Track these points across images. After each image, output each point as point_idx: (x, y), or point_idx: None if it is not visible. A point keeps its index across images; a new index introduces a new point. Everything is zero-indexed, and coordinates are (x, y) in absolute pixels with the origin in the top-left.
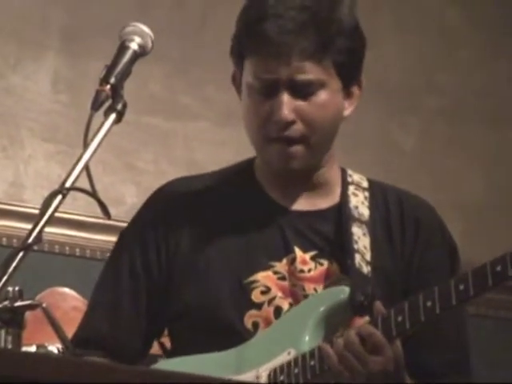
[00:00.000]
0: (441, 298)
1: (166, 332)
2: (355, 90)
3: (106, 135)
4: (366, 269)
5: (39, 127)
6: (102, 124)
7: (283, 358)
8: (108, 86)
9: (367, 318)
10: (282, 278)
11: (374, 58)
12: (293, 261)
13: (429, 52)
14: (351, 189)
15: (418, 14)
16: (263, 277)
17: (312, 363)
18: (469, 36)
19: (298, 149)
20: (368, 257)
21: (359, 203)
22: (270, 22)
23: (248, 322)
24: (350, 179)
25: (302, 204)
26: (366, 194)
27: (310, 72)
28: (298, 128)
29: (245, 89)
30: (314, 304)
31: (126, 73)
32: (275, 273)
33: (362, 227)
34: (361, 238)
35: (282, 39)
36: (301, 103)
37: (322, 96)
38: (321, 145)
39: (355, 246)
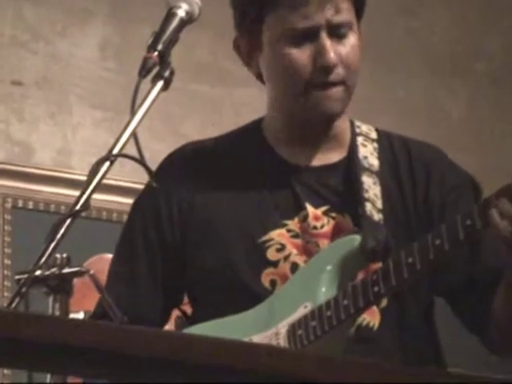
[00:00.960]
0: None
1: (185, 300)
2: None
3: (153, 102)
4: (377, 216)
5: (87, 94)
6: (150, 91)
7: (300, 312)
8: (155, 53)
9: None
10: (296, 236)
11: (421, 26)
12: (305, 218)
13: (476, 19)
14: (360, 140)
15: None
16: (277, 235)
17: (328, 314)
18: None
19: (338, 90)
20: (379, 204)
21: (368, 153)
22: None
23: (265, 281)
24: (358, 130)
25: (311, 160)
26: (375, 144)
27: (344, 12)
28: (339, 72)
29: (273, 44)
30: (327, 255)
31: (174, 40)
32: (288, 231)
33: (372, 176)
34: (371, 187)
35: None
36: (339, 46)
37: (352, 37)
38: (354, 87)
39: (365, 195)
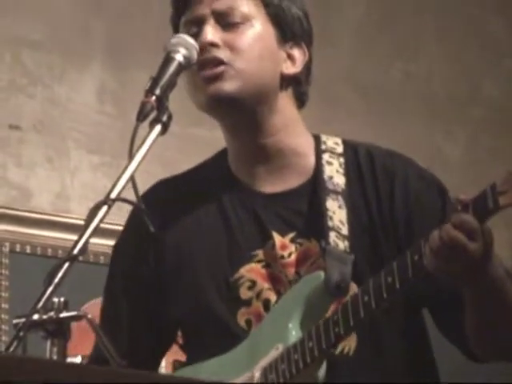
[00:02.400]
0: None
1: None
2: (296, 53)
3: (151, 146)
4: (342, 245)
5: (84, 138)
6: (147, 135)
7: (273, 354)
8: (153, 98)
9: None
10: (267, 266)
11: (418, 69)
12: (272, 247)
13: (472, 61)
14: (325, 157)
15: (461, 24)
16: (247, 270)
17: (296, 357)
18: None
19: (223, 68)
20: (345, 231)
21: (334, 172)
22: None
23: (241, 320)
24: (323, 147)
25: (275, 185)
26: (342, 159)
27: (233, 2)
28: (220, 52)
29: None
30: (295, 294)
31: (172, 84)
32: (258, 261)
33: (337, 199)
34: (336, 212)
35: None
36: (227, 33)
37: (249, 29)
38: (251, 72)
39: (330, 224)
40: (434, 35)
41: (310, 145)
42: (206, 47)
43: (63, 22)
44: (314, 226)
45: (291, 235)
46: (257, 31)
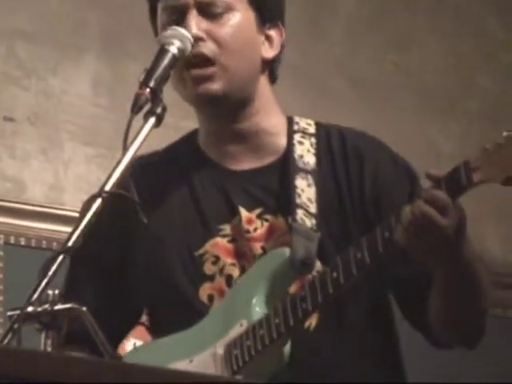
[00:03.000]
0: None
1: None
2: (273, 34)
3: (145, 139)
4: (309, 222)
5: (79, 130)
6: (142, 127)
7: (237, 330)
8: (148, 90)
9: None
10: (232, 241)
11: (412, 61)
12: (239, 222)
13: (466, 55)
14: (297, 137)
15: (454, 17)
16: (211, 246)
17: (261, 332)
18: (507, 40)
19: (212, 70)
20: (312, 208)
21: (304, 151)
22: None
23: (203, 296)
24: (296, 127)
25: (245, 163)
26: (313, 139)
27: None
28: (207, 45)
29: (160, 30)
30: (259, 270)
31: (166, 76)
32: (224, 236)
33: (306, 178)
34: (305, 190)
35: None
36: (210, 24)
37: (231, 19)
38: (237, 68)
39: (298, 201)
40: (426, 28)
41: (282, 125)
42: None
43: (57, 14)
44: (281, 202)
45: (258, 211)
46: (239, 20)
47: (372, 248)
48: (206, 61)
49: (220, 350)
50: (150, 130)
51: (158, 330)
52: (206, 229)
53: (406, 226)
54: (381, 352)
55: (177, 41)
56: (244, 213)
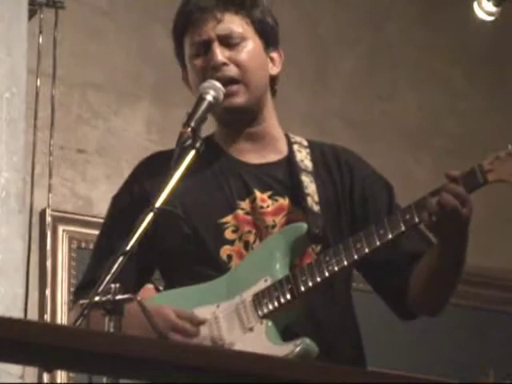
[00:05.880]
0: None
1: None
2: (275, 55)
3: (187, 167)
4: (316, 208)
5: (135, 160)
6: (184, 159)
7: (261, 284)
8: (189, 129)
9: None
10: (248, 213)
11: (395, 108)
12: (254, 200)
13: (436, 103)
14: (295, 147)
15: (427, 74)
16: (232, 218)
17: (289, 286)
18: (468, 90)
19: (237, 87)
20: (316, 198)
21: (303, 157)
22: (192, 2)
23: (223, 255)
24: (293, 140)
25: (256, 158)
26: (308, 150)
27: (230, 22)
28: (231, 69)
29: (188, 60)
30: (279, 238)
31: (203, 118)
32: (242, 209)
33: (308, 176)
34: (309, 185)
35: (203, 5)
36: (230, 51)
37: (246, 46)
38: (255, 84)
39: (306, 191)
40: (407, 83)
41: (283, 134)
42: (218, 66)
43: (119, 69)
44: (287, 188)
45: (269, 193)
46: (252, 46)
47: (394, 227)
48: (231, 81)
49: (248, 298)
50: (191, 160)
51: (174, 277)
52: (228, 203)
53: (435, 213)
54: (351, 309)
55: (212, 91)
56: (258, 193)
